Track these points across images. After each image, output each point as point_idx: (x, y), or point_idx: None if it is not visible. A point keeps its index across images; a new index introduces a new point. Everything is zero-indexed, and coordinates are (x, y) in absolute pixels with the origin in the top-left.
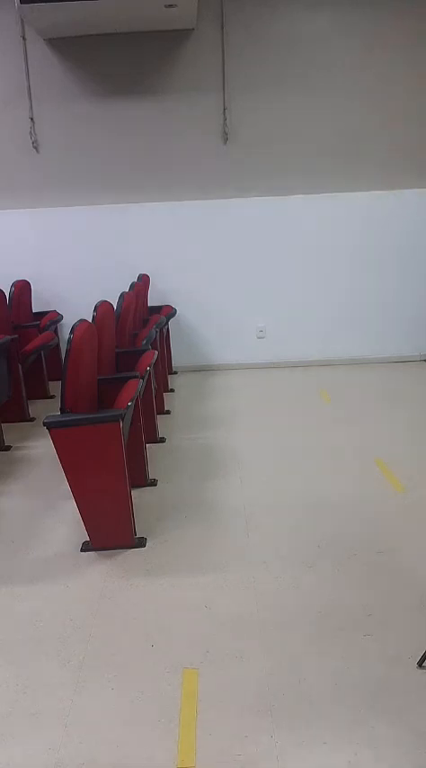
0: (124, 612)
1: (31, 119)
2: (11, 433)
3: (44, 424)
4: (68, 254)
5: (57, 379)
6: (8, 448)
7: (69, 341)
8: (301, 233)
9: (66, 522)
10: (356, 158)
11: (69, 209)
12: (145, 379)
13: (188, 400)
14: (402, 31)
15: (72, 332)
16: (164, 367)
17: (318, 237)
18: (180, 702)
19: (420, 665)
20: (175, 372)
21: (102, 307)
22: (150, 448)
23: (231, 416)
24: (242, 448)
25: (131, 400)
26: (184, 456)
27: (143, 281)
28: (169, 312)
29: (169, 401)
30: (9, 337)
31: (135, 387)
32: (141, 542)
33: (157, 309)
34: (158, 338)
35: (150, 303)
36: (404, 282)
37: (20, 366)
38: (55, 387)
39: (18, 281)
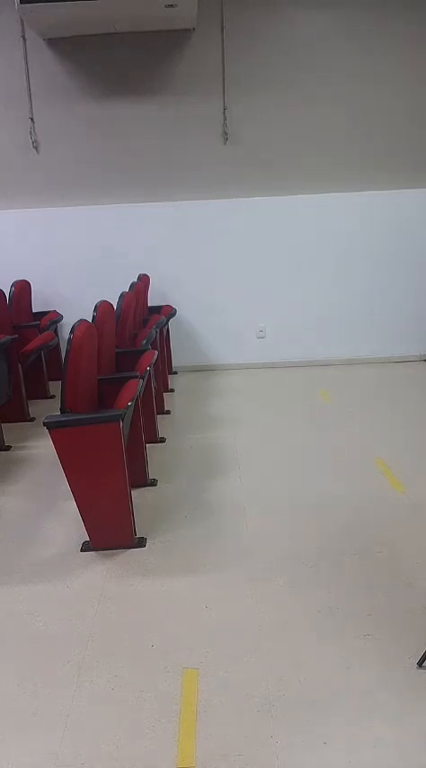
0: (124, 612)
1: (31, 119)
2: (11, 433)
3: (44, 424)
4: (68, 254)
5: (57, 379)
6: (8, 448)
7: (69, 341)
8: (301, 233)
9: (66, 522)
10: (356, 158)
11: (69, 209)
12: (145, 379)
13: (188, 400)
14: (402, 32)
15: (72, 332)
16: (164, 367)
17: (318, 237)
18: (180, 702)
19: (420, 665)
20: (175, 372)
21: (102, 307)
22: (150, 448)
23: (231, 416)
24: (242, 448)
25: (131, 400)
26: (184, 456)
27: (143, 281)
28: (169, 312)
29: (169, 401)
30: (9, 337)
31: (135, 387)
32: (141, 542)
33: (157, 309)
34: (158, 338)
35: (150, 303)
36: (404, 282)
37: (20, 366)
38: (55, 387)
39: (18, 281)
